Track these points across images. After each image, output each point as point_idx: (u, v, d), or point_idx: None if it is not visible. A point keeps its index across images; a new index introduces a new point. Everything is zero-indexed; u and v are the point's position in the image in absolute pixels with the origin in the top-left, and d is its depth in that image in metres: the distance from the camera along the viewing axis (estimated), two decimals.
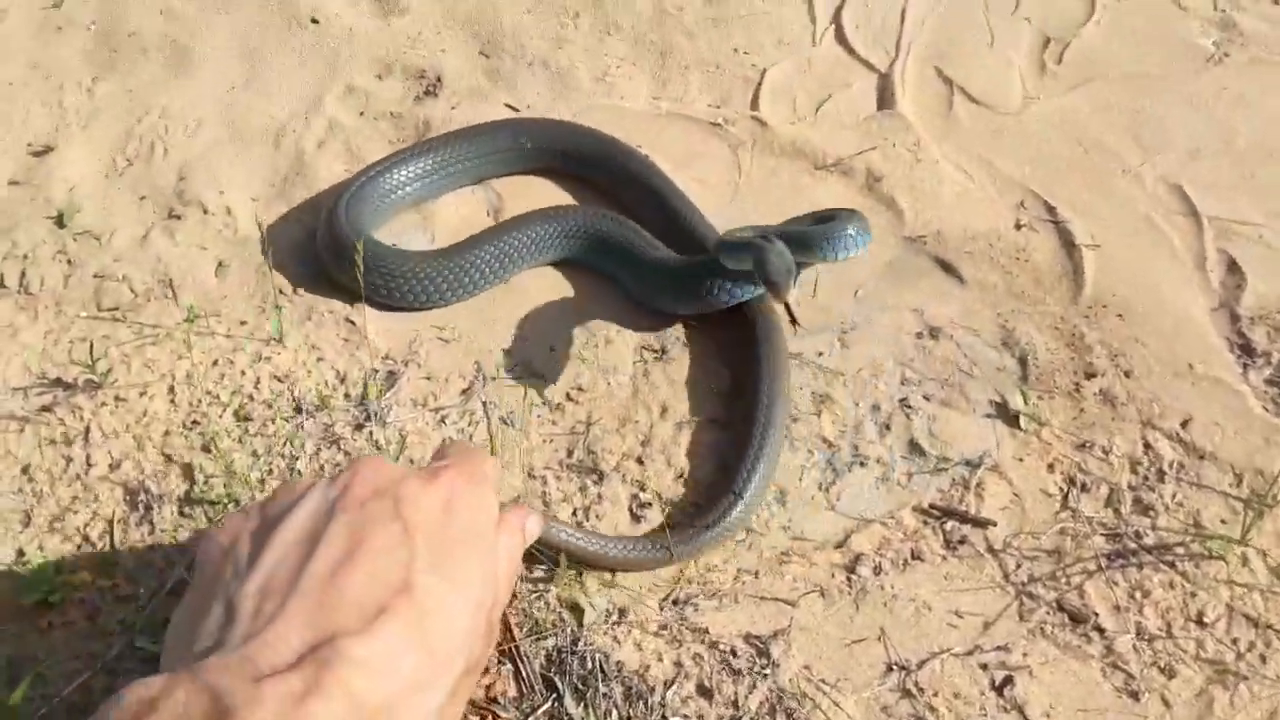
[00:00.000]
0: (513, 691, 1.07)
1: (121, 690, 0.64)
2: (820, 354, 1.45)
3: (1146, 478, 1.30)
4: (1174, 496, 1.28)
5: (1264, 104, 1.80)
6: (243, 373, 1.40)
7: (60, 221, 1.62)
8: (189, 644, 0.71)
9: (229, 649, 0.68)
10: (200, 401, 1.37)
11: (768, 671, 1.10)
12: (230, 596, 0.72)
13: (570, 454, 1.33)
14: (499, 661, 1.09)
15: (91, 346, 1.39)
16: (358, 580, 0.71)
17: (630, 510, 1.27)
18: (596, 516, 1.25)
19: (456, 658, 0.74)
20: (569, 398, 1.39)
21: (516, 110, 1.83)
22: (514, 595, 1.15)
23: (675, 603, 1.17)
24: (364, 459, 0.84)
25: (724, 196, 1.68)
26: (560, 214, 1.56)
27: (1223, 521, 1.25)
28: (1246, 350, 1.45)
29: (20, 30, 2.02)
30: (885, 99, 1.83)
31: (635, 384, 1.41)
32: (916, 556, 1.22)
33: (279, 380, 1.40)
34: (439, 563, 0.75)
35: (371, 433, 1.34)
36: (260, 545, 0.76)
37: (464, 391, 1.40)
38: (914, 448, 1.34)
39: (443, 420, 1.36)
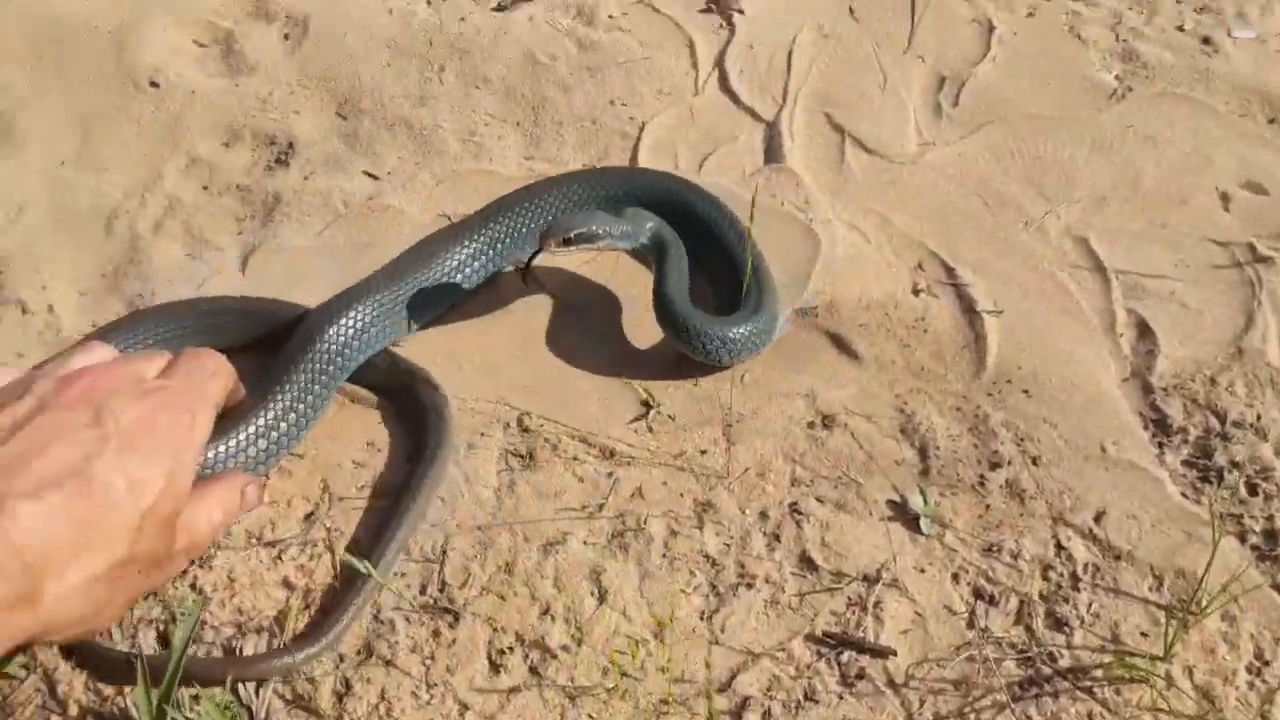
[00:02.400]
0: None
1: None
2: (704, 452, 1.32)
3: (1059, 585, 1.19)
4: (1090, 607, 1.17)
5: (1172, 141, 1.71)
6: None
7: None
8: None
9: None
10: None
11: None
12: None
13: (423, 590, 1.18)
14: None
15: None
16: (41, 462, 0.83)
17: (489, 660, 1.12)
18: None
19: (116, 542, 0.85)
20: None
21: (376, 177, 1.68)
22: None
23: None
24: (96, 367, 0.95)
25: (605, 265, 1.54)
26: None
27: (1144, 634, 1.14)
28: (1161, 427, 1.34)
29: None
30: (773, 151, 1.70)
31: (500, 499, 1.27)
32: (810, 697, 1.09)
33: None
34: (120, 462, 0.86)
35: (195, 578, 1.18)
36: None
37: (307, 517, 1.25)
38: (805, 562, 1.21)
39: (279, 557, 1.21)
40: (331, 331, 1.34)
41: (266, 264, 1.56)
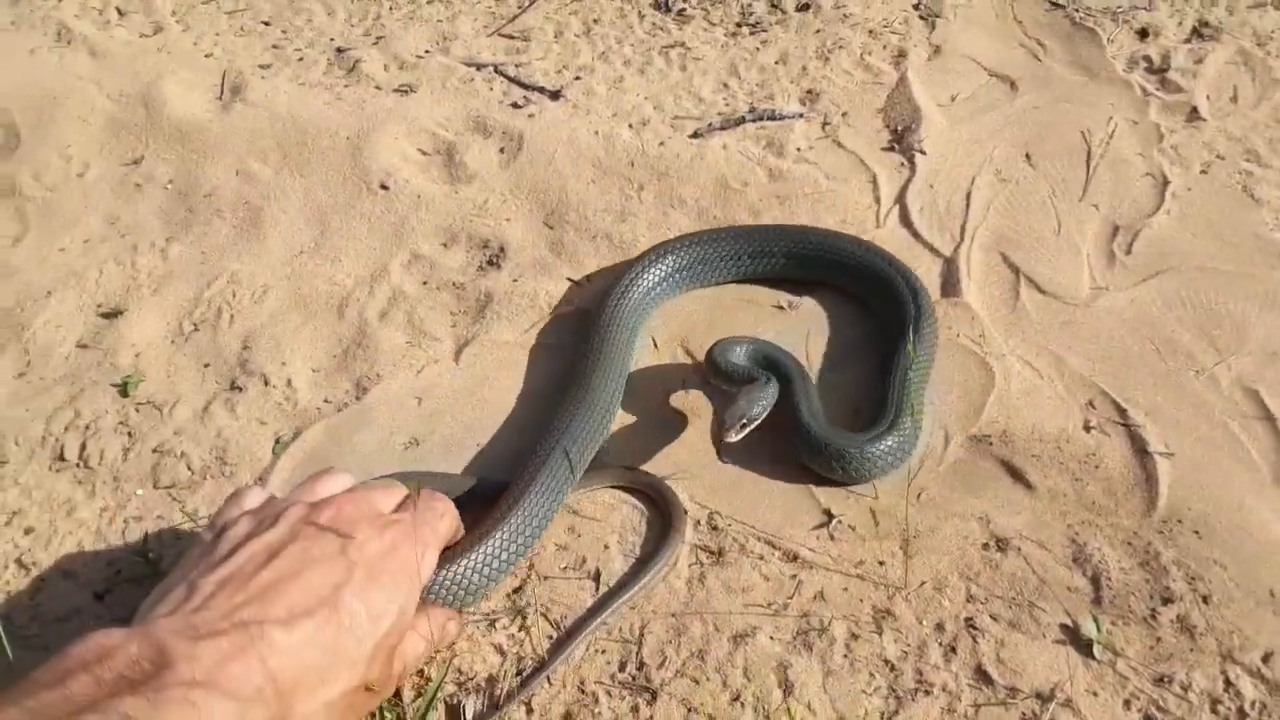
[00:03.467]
0: None
1: (88, 634, 0.84)
2: (882, 563, 1.40)
3: (1227, 718, 1.23)
4: None
5: None
6: None
7: (124, 390, 1.64)
8: (153, 609, 0.92)
9: (180, 616, 0.89)
10: None
11: None
12: (195, 580, 0.94)
13: (623, 668, 1.28)
14: None
15: (146, 537, 1.38)
16: (295, 589, 0.93)
17: None
18: None
19: (354, 669, 0.94)
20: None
21: (577, 282, 1.84)
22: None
23: None
24: (340, 496, 1.07)
25: None
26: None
27: None
28: None
29: (100, 184, 2.08)
30: (950, 285, 1.81)
31: (691, 590, 1.37)
32: None
33: None
34: (364, 593, 0.96)
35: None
36: (233, 548, 0.98)
37: (514, 592, 1.37)
38: (981, 675, 1.28)
39: (492, 625, 1.33)
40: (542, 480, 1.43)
41: (479, 356, 1.72)
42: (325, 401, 1.65)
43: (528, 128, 2.14)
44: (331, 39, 2.43)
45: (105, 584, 1.36)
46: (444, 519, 1.18)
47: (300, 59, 2.37)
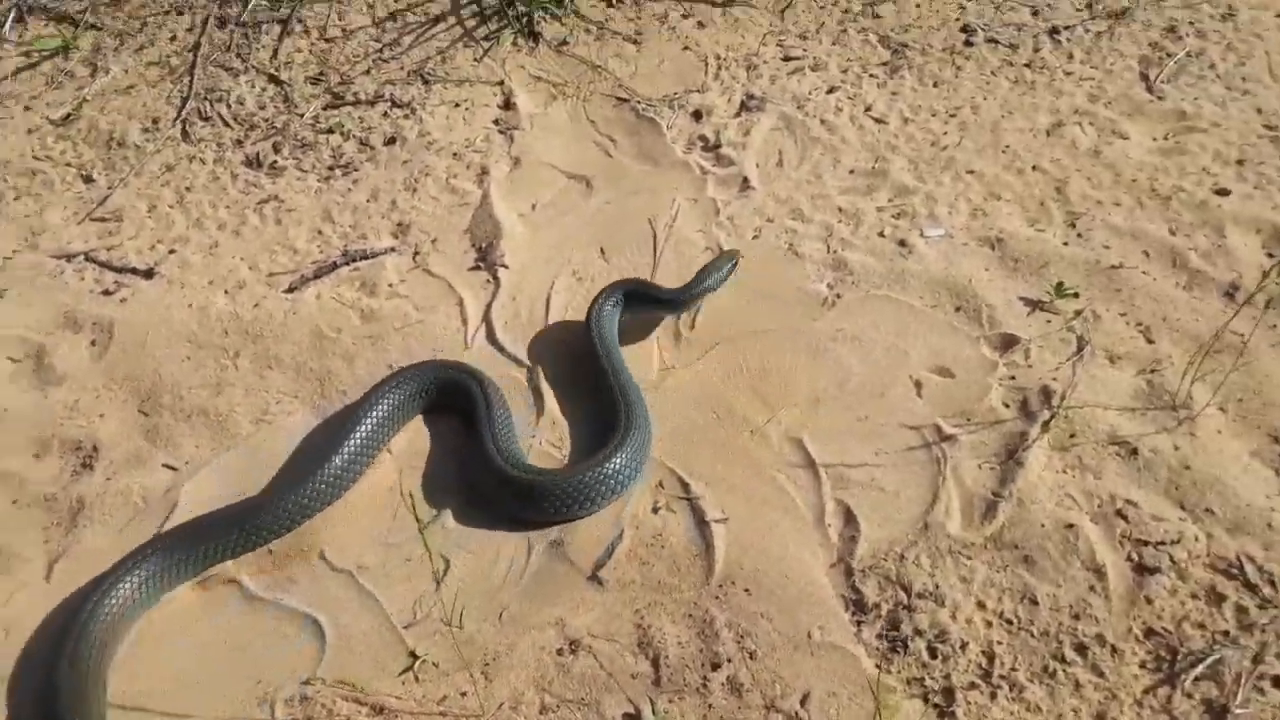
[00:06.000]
0: None
1: None
2: (464, 694, 1.48)
3: None
4: None
5: (875, 340, 1.96)
6: None
7: None
8: None
9: None
10: None
11: None
12: None
13: None
14: None
15: None
16: None
17: None
18: None
19: None
20: None
21: (174, 469, 1.85)
22: None
23: None
24: None
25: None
26: None
27: None
28: (860, 606, 1.55)
29: None
30: (539, 403, 1.92)
31: None
32: None
33: None
34: None
35: None
36: None
37: None
38: None
39: None
40: None
41: (71, 570, 1.71)
42: None
43: (119, 314, 2.14)
44: None
45: None
46: None
47: None
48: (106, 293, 2.21)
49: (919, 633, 1.50)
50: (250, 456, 1.87)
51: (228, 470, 1.85)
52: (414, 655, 1.54)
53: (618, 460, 1.70)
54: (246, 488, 1.79)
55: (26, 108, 2.74)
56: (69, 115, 2.70)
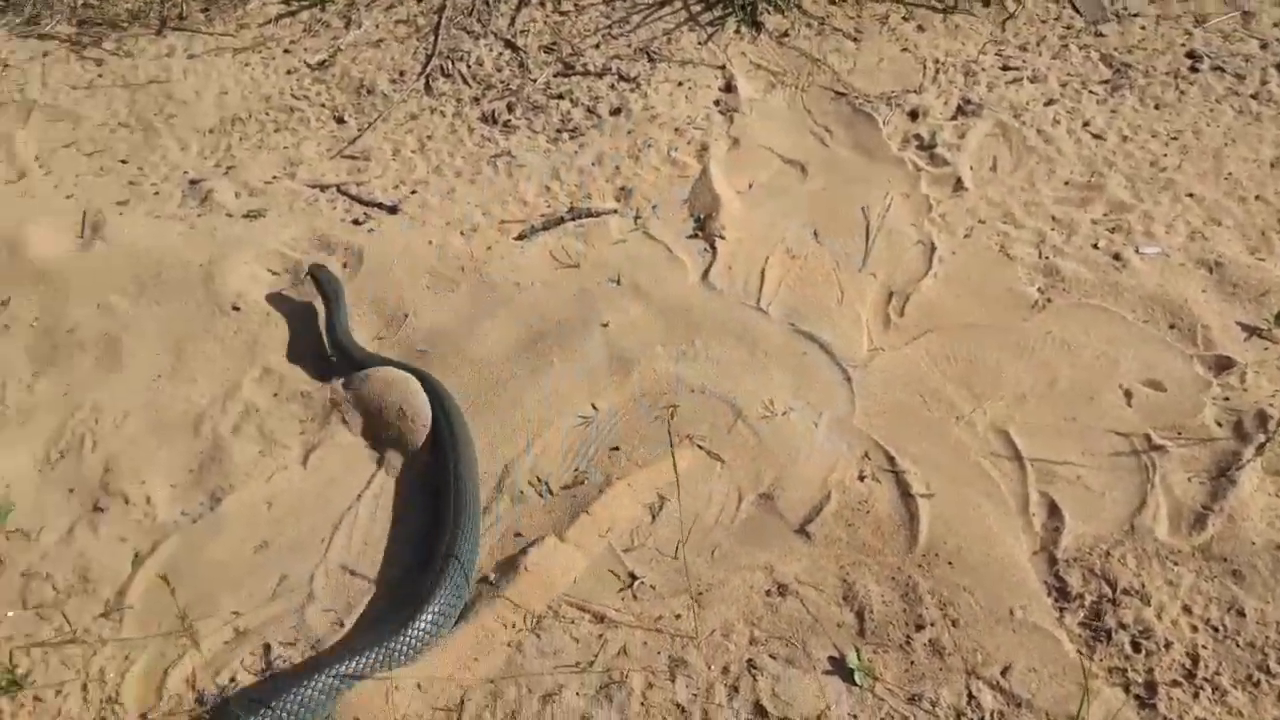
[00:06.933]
0: None
1: None
2: (678, 616, 1.60)
3: None
4: None
5: (1084, 346, 2.01)
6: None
7: None
8: None
9: None
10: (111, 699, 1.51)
11: None
12: None
13: None
14: None
15: (11, 654, 1.52)
16: None
17: None
18: None
19: None
20: None
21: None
22: None
23: None
24: None
25: None
26: None
27: None
28: (1063, 593, 1.60)
29: None
30: None
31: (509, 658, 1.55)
32: None
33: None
34: None
35: None
36: None
37: None
38: (758, 710, 1.47)
39: None
40: None
41: (324, 459, 1.89)
42: (182, 514, 1.80)
43: (367, 242, 2.33)
44: (185, 172, 2.60)
45: None
46: None
47: (156, 193, 2.53)
48: (356, 222, 2.40)
49: (1123, 626, 1.55)
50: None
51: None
52: (633, 576, 1.66)
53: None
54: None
55: (286, 50, 2.99)
56: (324, 61, 2.93)
